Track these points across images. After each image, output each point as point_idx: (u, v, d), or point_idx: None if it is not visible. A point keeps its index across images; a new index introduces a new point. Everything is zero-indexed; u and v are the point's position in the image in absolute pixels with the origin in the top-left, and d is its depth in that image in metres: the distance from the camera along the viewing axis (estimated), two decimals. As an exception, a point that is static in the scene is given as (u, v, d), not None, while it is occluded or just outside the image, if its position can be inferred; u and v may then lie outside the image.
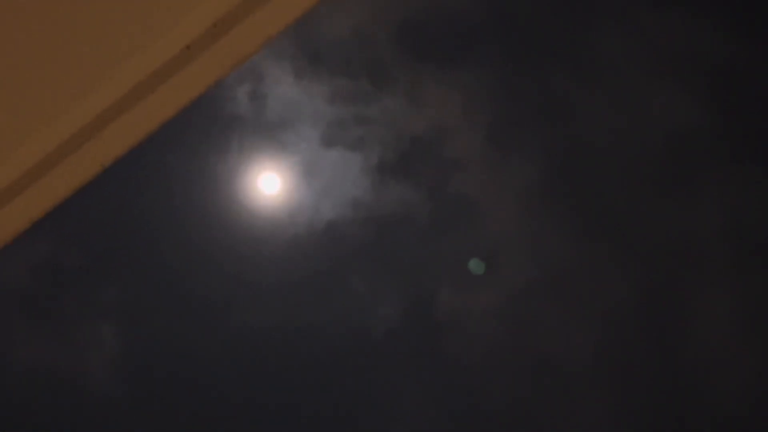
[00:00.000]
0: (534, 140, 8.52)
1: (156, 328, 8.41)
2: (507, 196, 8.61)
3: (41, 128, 1.53)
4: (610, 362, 8.43)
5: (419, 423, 8.48)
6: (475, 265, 8.42)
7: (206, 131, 8.34)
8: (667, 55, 8.40)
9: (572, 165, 8.52)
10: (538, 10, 8.51)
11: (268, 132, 8.36)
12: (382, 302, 8.57)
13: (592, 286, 8.49)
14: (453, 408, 8.52)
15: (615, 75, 8.49)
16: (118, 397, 8.33)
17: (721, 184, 8.40)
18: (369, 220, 8.57)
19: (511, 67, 8.48)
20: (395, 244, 8.62)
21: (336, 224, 8.51)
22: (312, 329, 8.52)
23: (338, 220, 8.52)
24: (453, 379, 8.55)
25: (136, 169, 8.08)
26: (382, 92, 8.51)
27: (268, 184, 8.40)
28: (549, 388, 8.41)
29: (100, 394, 8.32)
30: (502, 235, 8.62)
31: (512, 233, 8.61)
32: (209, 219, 8.30)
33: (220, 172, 8.26)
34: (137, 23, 1.51)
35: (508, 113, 8.52)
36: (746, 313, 8.42)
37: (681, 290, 8.45)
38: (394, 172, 8.61)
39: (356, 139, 8.54)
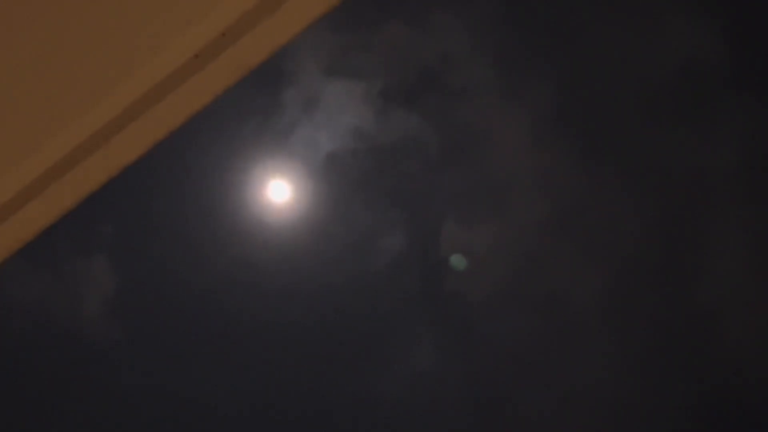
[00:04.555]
0: (545, 69, 8.52)
1: (153, 265, 8.51)
2: (516, 127, 8.64)
3: (48, 138, 1.58)
4: (621, 300, 8.53)
5: (421, 360, 8.62)
6: (457, 261, 8.49)
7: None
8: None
9: (584, 95, 8.52)
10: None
11: (267, 60, 8.34)
12: (385, 236, 8.65)
13: (603, 222, 8.56)
14: (456, 346, 8.65)
15: None
16: (114, 337, 8.47)
17: (737, 114, 8.42)
18: (372, 150, 8.61)
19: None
20: (399, 176, 8.67)
21: (337, 155, 8.55)
22: (311, 262, 8.61)
23: (340, 150, 8.56)
24: (457, 315, 8.67)
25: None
26: (387, 18, 8.47)
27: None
28: (557, 326, 8.53)
29: (95, 333, 8.45)
30: (511, 168, 8.67)
31: (521, 165, 8.65)
32: (206, 153, 8.34)
33: (217, 102, 8.26)
34: (145, 32, 1.56)
35: (519, 40, 8.50)
36: (762, 248, 8.50)
37: (694, 225, 8.52)
38: (398, 102, 8.62)
39: (359, 68, 8.53)
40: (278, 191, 8.45)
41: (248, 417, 8.59)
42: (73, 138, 1.58)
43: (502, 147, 8.66)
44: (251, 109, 8.36)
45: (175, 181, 8.50)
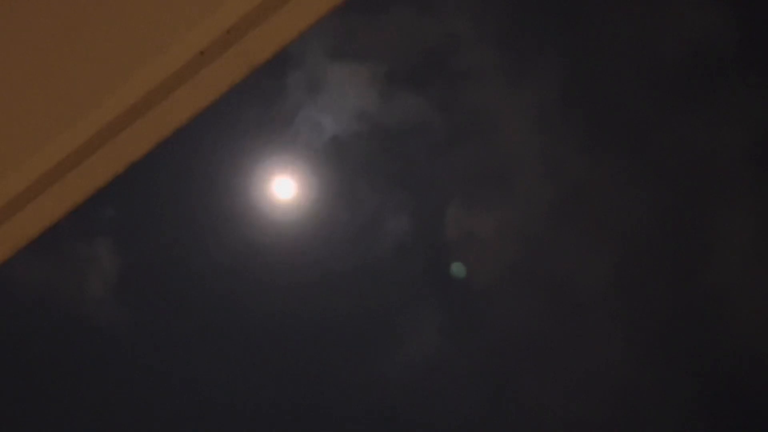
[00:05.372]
0: (551, 52, 8.50)
1: (156, 248, 8.53)
2: (522, 110, 8.63)
3: (55, 135, 1.60)
4: (628, 285, 8.54)
5: (426, 344, 8.63)
6: (458, 269, 8.50)
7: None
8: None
9: (591, 79, 8.51)
10: None
11: (272, 58, 8.32)
12: (389, 219, 8.65)
13: (610, 206, 8.56)
14: (461, 330, 8.67)
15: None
16: (116, 319, 8.50)
17: (745, 100, 8.40)
18: (377, 133, 8.61)
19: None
20: (404, 159, 8.67)
21: (342, 138, 8.55)
22: (314, 246, 8.61)
23: (344, 133, 8.56)
24: (462, 299, 8.68)
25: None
26: (393, 0, 8.46)
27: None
28: (563, 311, 8.54)
29: (98, 315, 8.48)
30: (517, 151, 8.66)
31: (527, 149, 8.64)
32: (210, 136, 8.35)
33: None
34: (151, 29, 1.57)
35: (525, 24, 8.48)
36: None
37: (702, 211, 8.52)
38: (403, 85, 8.61)
39: (364, 50, 8.52)
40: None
41: (251, 399, 8.62)
42: (80, 135, 1.59)
43: (508, 130, 8.65)
44: (255, 92, 8.36)
45: (177, 164, 8.51)
